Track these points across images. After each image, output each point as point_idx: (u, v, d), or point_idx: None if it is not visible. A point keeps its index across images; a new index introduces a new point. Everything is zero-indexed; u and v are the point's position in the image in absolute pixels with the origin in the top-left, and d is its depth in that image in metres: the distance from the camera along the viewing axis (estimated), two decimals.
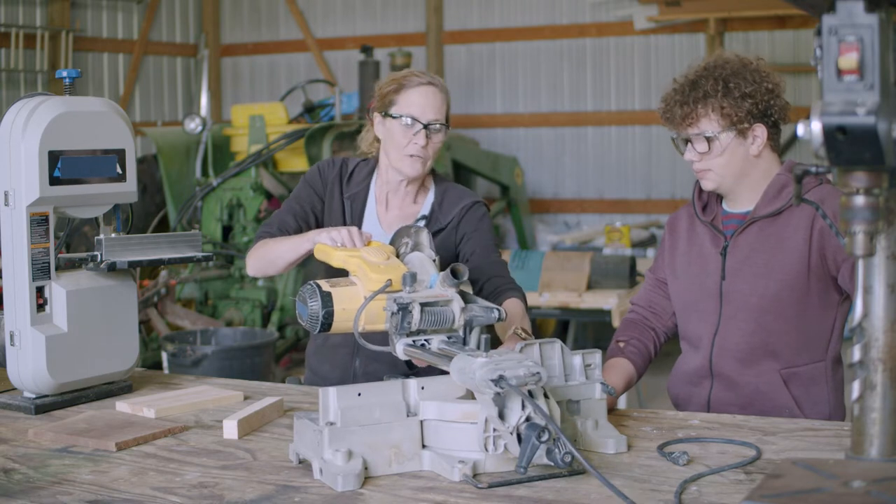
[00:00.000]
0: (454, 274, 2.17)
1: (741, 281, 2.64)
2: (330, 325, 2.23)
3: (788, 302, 2.59)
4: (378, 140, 2.92)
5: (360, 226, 2.90)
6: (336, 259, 2.40)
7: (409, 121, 2.79)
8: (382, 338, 2.24)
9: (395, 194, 2.91)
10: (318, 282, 2.25)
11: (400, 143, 2.81)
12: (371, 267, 2.26)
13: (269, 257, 2.78)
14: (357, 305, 2.22)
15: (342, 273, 2.38)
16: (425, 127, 2.80)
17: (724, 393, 2.67)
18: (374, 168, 2.95)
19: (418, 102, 2.80)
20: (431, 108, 2.81)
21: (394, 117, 2.81)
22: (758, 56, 2.67)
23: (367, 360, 2.86)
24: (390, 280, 2.21)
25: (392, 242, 2.45)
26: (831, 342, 2.64)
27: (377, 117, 2.87)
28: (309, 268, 6.80)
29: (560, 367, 2.20)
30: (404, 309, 2.13)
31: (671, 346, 2.95)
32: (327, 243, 2.51)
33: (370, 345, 2.21)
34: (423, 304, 2.14)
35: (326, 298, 2.21)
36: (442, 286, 2.19)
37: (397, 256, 2.36)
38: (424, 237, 2.37)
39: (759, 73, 2.60)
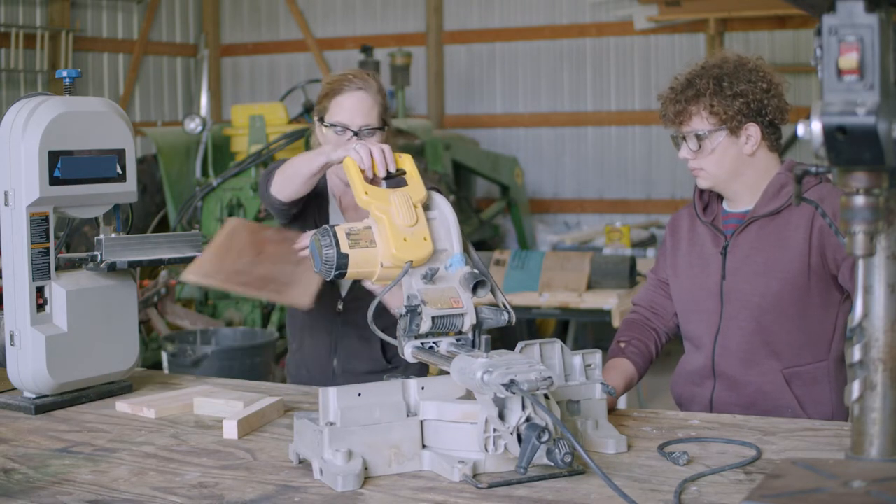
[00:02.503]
0: (475, 289, 2.14)
1: (742, 280, 2.64)
2: (342, 277, 2.18)
3: (789, 301, 2.59)
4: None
5: (327, 222, 2.86)
6: (361, 201, 2.23)
7: (338, 129, 2.78)
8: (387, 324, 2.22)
9: (345, 192, 2.93)
10: (338, 233, 2.15)
11: None
12: (395, 236, 2.15)
13: (287, 172, 2.72)
14: (372, 269, 2.16)
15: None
16: (356, 134, 2.77)
17: (727, 393, 2.67)
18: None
19: (345, 111, 2.77)
20: (360, 113, 2.77)
21: (326, 126, 2.80)
22: (758, 56, 2.67)
23: (345, 359, 2.87)
24: (410, 262, 2.13)
25: None
26: (833, 342, 2.64)
27: (316, 123, 2.87)
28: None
29: (560, 367, 2.20)
30: (412, 311, 2.10)
31: (672, 346, 2.95)
32: (355, 158, 2.37)
33: (382, 333, 2.17)
34: (434, 317, 2.10)
35: (342, 259, 2.14)
36: (460, 285, 2.15)
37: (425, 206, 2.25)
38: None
39: (756, 73, 2.60)
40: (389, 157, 2.41)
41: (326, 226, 2.18)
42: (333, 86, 2.81)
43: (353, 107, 2.77)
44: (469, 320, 2.13)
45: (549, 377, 1.85)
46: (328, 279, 2.19)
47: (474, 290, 2.14)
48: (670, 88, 2.67)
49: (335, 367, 2.89)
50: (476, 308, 2.15)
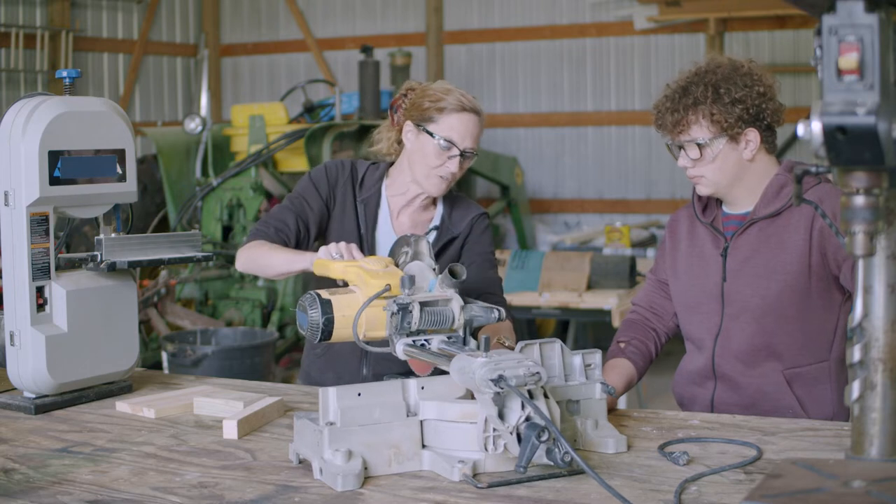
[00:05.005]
0: (452, 274, 2.18)
1: (742, 282, 2.63)
2: (330, 332, 2.21)
3: (790, 302, 2.59)
4: (399, 142, 2.91)
5: (373, 230, 2.88)
6: (335, 270, 2.40)
7: (446, 144, 2.77)
8: (385, 342, 2.24)
9: (408, 205, 2.91)
10: (318, 291, 2.24)
11: (431, 161, 2.79)
12: (370, 274, 2.26)
13: (260, 262, 2.75)
14: (356, 312, 2.21)
15: (338, 285, 2.39)
16: (461, 154, 2.79)
17: (728, 393, 2.67)
18: (383, 174, 2.93)
19: (459, 128, 2.78)
20: (471, 136, 2.80)
21: (431, 135, 2.78)
22: (750, 59, 2.65)
23: (376, 365, 2.84)
24: (389, 285, 2.21)
25: (391, 252, 2.43)
26: (834, 342, 2.63)
27: (409, 125, 2.83)
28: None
29: (560, 367, 2.20)
30: (404, 309, 2.13)
31: (672, 346, 2.95)
32: (325, 258, 2.49)
33: (373, 347, 2.20)
34: (422, 304, 2.14)
35: (326, 306, 2.20)
36: (441, 287, 2.19)
37: (396, 266, 2.35)
38: (424, 246, 2.35)
39: (751, 77, 2.58)
40: (356, 252, 2.49)
41: (309, 292, 2.25)
42: (449, 100, 2.79)
43: (465, 128, 2.78)
44: (457, 305, 2.16)
45: (538, 372, 1.87)
46: (315, 341, 2.22)
47: (452, 274, 2.18)
48: (665, 97, 2.65)
49: (365, 375, 2.86)
50: (467, 307, 2.18)
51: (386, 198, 2.92)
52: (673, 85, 2.65)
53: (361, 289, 2.25)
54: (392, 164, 2.95)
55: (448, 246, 2.89)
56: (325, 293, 2.23)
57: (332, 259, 2.47)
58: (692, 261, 2.75)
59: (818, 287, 2.58)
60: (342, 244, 2.51)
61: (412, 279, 2.17)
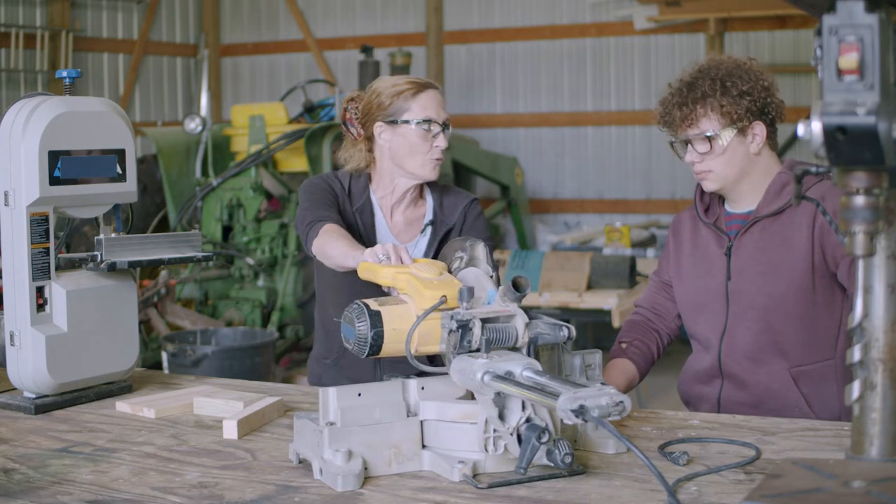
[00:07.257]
0: (516, 287, 2.01)
1: (747, 281, 2.64)
2: (380, 347, 2.02)
3: (795, 300, 2.59)
4: (371, 151, 2.89)
5: (373, 236, 2.87)
6: (383, 276, 2.19)
7: (426, 125, 2.80)
8: (436, 358, 2.11)
9: (399, 203, 2.91)
10: (366, 301, 2.05)
11: (421, 148, 2.80)
12: (423, 283, 2.06)
13: (325, 249, 2.67)
14: (409, 325, 2.01)
15: (372, 291, 2.23)
16: (443, 127, 2.82)
17: (735, 392, 2.67)
18: (367, 181, 2.93)
19: (431, 104, 2.82)
20: (441, 107, 2.85)
21: (410, 123, 2.79)
22: (750, 57, 2.69)
23: (391, 369, 2.81)
24: (445, 296, 2.02)
25: (443, 255, 2.26)
26: (839, 340, 2.63)
27: (380, 126, 2.82)
28: (308, 268, 6.79)
29: (560, 368, 2.20)
30: (464, 326, 1.97)
31: (672, 346, 2.95)
32: (372, 261, 2.33)
33: (424, 366, 2.03)
34: (483, 321, 1.99)
35: (375, 318, 2.01)
36: (502, 301, 2.04)
37: (449, 272, 2.17)
38: (480, 251, 2.17)
39: (754, 72, 2.62)
40: (406, 256, 2.34)
41: (356, 302, 2.07)
42: (406, 86, 2.82)
43: (436, 102, 2.84)
44: (521, 322, 2.02)
45: (622, 402, 1.73)
46: (363, 356, 2.04)
47: (516, 287, 2.01)
48: (670, 93, 2.67)
49: (382, 378, 2.83)
50: (532, 323, 2.05)
51: (376, 203, 2.92)
52: (677, 82, 2.66)
53: (414, 299, 2.06)
54: (368, 169, 2.94)
55: (446, 238, 2.88)
56: (373, 303, 2.04)
57: (379, 262, 2.30)
58: (696, 261, 2.76)
59: (821, 284, 2.59)
60: (389, 245, 2.35)
61: (471, 291, 2.01)
